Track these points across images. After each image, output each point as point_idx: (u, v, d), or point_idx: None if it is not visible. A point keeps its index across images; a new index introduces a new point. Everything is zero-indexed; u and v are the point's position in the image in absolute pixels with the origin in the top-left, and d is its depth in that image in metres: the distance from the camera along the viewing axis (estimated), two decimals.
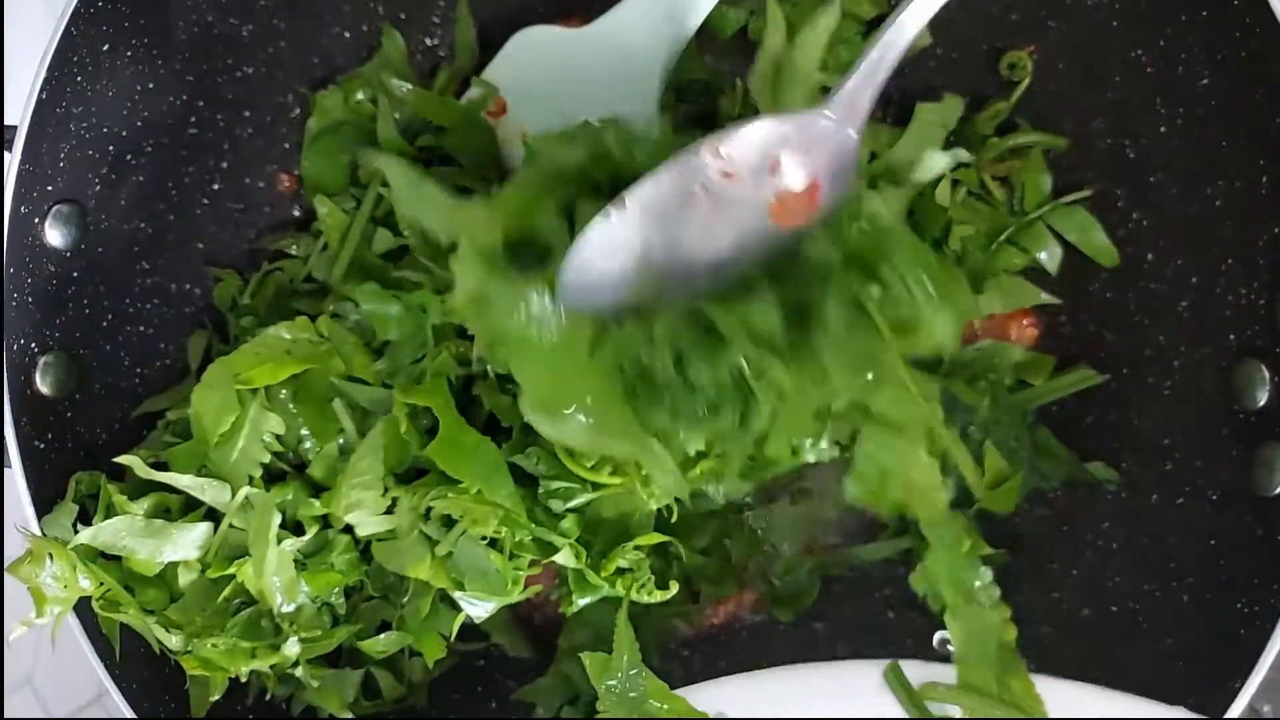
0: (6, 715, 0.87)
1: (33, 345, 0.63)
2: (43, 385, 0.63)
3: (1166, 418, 0.65)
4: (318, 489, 0.62)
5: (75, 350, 0.65)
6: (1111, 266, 0.68)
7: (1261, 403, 0.59)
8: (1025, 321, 0.72)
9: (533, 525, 0.59)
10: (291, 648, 0.61)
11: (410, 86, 0.73)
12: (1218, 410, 0.62)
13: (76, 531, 0.59)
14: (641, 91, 0.67)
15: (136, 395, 0.69)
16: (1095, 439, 0.68)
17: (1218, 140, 0.61)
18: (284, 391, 0.61)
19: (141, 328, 0.69)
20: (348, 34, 0.74)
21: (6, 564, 0.59)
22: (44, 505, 0.61)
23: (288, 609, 0.61)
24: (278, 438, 0.61)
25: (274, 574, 0.59)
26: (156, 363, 0.70)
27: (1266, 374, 0.59)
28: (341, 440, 0.62)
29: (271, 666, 0.62)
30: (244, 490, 0.59)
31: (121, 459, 0.60)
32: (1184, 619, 0.61)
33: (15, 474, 0.61)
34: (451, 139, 0.73)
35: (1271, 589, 0.56)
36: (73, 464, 0.63)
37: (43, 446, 0.62)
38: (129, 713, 0.61)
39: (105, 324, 0.67)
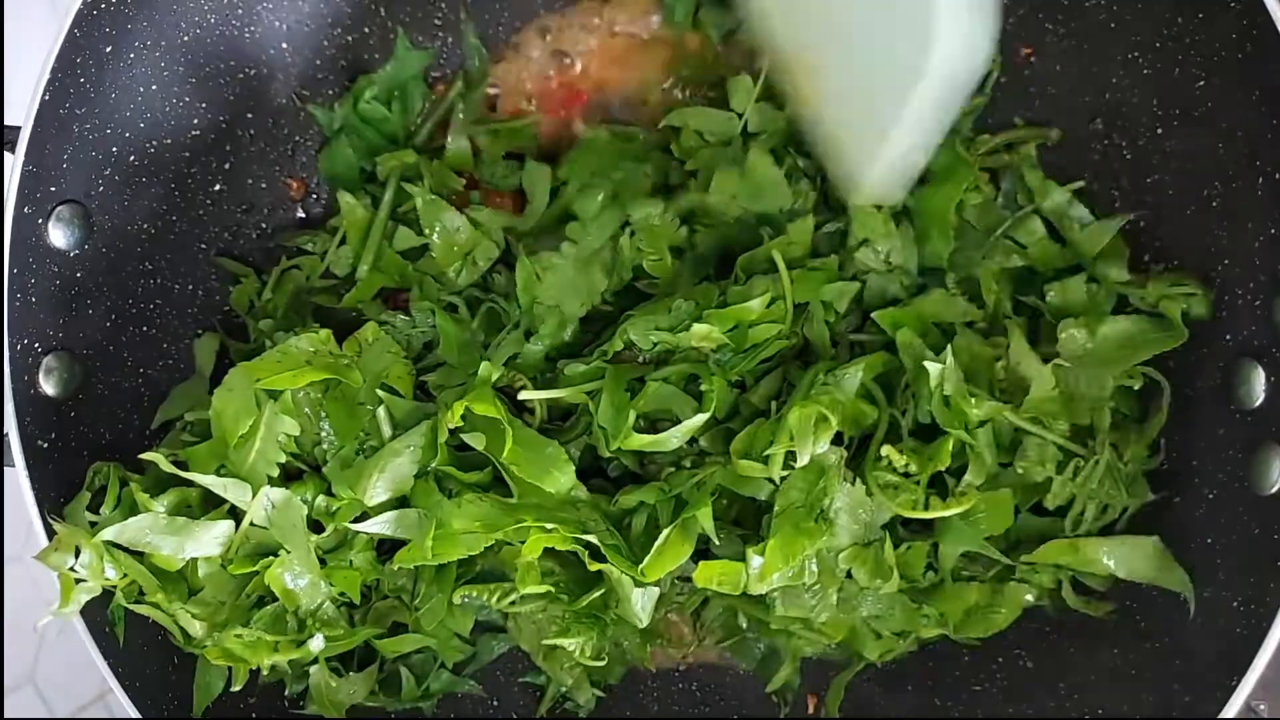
0: (9, 714, 0.88)
1: (36, 345, 0.63)
2: (46, 385, 0.63)
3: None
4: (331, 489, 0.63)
5: (78, 350, 0.65)
6: None
7: (1258, 402, 0.59)
8: None
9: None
10: (316, 644, 0.62)
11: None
12: (1215, 410, 0.62)
13: (93, 524, 0.59)
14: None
15: (140, 395, 0.69)
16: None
17: (1215, 142, 0.62)
18: (312, 391, 0.62)
19: (145, 328, 0.69)
20: (351, 37, 0.75)
21: (24, 556, 0.59)
22: (47, 504, 0.61)
23: (311, 604, 0.61)
24: (295, 439, 0.61)
25: (304, 569, 0.60)
26: (160, 363, 0.70)
27: (1263, 374, 0.59)
28: (360, 445, 0.63)
29: (291, 662, 0.62)
30: (265, 489, 0.60)
31: (146, 455, 0.60)
32: (1181, 617, 0.61)
33: (19, 473, 0.61)
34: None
35: (1268, 587, 0.56)
36: (76, 463, 0.63)
37: (46, 446, 0.63)
38: (132, 711, 0.61)
39: (109, 324, 0.67)
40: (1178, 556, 0.62)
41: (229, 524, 0.60)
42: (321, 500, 0.62)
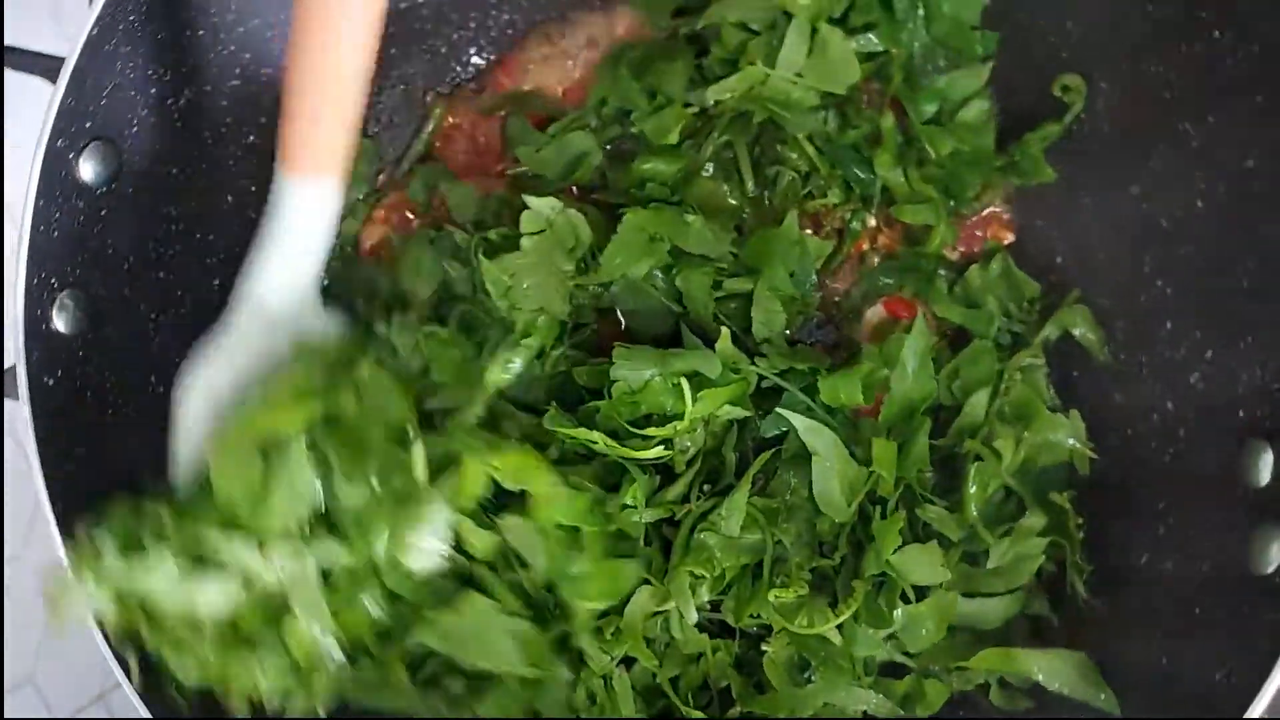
0: (9, 714, 0.86)
1: (53, 280, 0.62)
2: (58, 321, 0.62)
3: (1165, 484, 0.66)
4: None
5: (93, 289, 0.64)
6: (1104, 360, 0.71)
7: (1264, 483, 0.60)
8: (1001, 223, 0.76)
9: None
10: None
11: None
12: (1218, 484, 0.62)
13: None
14: None
15: (148, 340, 0.68)
16: (1091, 497, 0.69)
17: (1256, 220, 0.62)
18: (317, 435, 0.58)
19: (161, 273, 0.68)
20: None
21: (24, 555, 0.56)
22: (47, 446, 0.60)
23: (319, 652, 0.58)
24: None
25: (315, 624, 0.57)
26: (171, 310, 0.69)
27: (1271, 456, 0.60)
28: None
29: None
30: (278, 549, 0.56)
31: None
32: (1163, 682, 0.62)
33: (22, 406, 0.60)
34: None
35: (1249, 664, 0.57)
36: (77, 405, 0.62)
37: (51, 383, 0.61)
38: (141, 711, 0.58)
39: (126, 266, 0.66)
40: (1163, 621, 0.63)
41: (237, 585, 0.56)
42: (333, 547, 0.57)
